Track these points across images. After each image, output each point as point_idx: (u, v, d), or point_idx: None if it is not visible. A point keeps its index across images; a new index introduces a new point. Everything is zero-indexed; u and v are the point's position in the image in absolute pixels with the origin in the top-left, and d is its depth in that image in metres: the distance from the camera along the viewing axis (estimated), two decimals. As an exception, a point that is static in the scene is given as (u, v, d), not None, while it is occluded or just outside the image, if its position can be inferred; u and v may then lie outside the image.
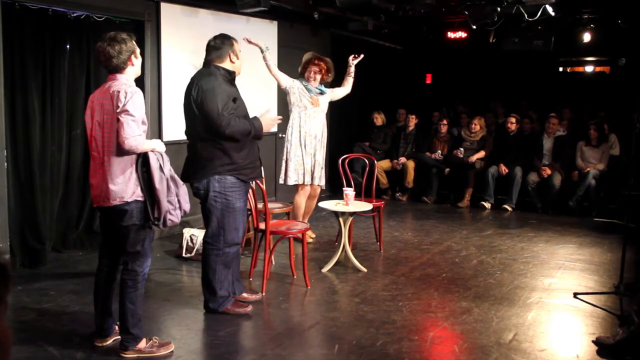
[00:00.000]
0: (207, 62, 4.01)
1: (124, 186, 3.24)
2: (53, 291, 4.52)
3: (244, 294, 4.37)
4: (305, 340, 3.85)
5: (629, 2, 7.47)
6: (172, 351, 3.51)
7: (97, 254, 3.65)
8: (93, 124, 3.31)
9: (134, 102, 3.19)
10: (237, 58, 4.03)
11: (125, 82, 3.28)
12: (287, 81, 5.86)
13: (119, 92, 3.19)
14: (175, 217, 3.42)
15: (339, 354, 3.57)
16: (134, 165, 3.27)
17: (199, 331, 3.92)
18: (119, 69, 3.29)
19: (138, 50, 3.38)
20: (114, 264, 3.55)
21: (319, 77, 5.85)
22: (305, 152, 5.81)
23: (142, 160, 3.28)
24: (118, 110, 3.16)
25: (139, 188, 3.28)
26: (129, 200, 3.26)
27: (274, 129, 7.69)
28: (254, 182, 4.27)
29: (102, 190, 3.28)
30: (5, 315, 1.24)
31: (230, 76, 4.01)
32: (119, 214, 3.29)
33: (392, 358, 3.50)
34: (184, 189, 3.46)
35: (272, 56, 7.56)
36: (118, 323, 3.56)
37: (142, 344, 3.44)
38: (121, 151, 3.20)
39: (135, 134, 3.17)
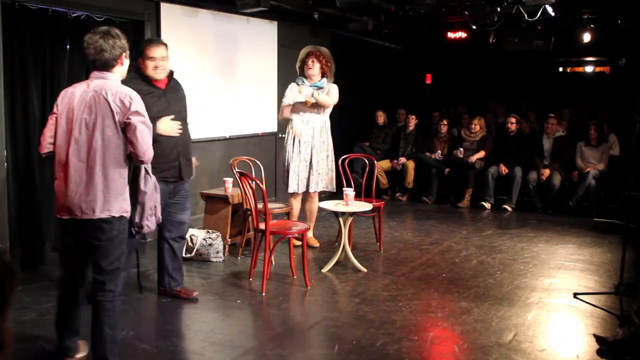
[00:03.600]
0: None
1: (115, 197, 3.00)
2: (53, 291, 4.50)
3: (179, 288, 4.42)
4: (305, 340, 3.85)
5: (629, 2, 7.47)
6: None
7: (61, 269, 3.31)
8: (73, 124, 3.01)
9: (143, 108, 3.02)
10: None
11: (118, 82, 3.07)
12: (285, 101, 5.76)
13: (123, 95, 2.98)
14: (151, 223, 3.21)
15: (339, 354, 3.57)
16: (128, 175, 3.08)
17: (198, 331, 3.92)
18: (109, 66, 3.06)
19: (128, 52, 3.16)
20: (82, 280, 3.25)
21: (317, 65, 5.66)
22: (300, 160, 5.70)
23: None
24: (132, 119, 2.95)
25: (127, 202, 3.06)
26: (116, 215, 3.02)
27: (274, 129, 7.69)
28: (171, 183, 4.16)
29: (84, 200, 2.98)
30: (9, 315, 1.24)
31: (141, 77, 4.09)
32: (101, 227, 3.01)
33: (392, 358, 3.50)
34: (159, 195, 3.28)
35: (272, 56, 7.58)
36: (81, 340, 3.33)
37: None
38: (126, 161, 3.01)
39: (150, 144, 3.02)
